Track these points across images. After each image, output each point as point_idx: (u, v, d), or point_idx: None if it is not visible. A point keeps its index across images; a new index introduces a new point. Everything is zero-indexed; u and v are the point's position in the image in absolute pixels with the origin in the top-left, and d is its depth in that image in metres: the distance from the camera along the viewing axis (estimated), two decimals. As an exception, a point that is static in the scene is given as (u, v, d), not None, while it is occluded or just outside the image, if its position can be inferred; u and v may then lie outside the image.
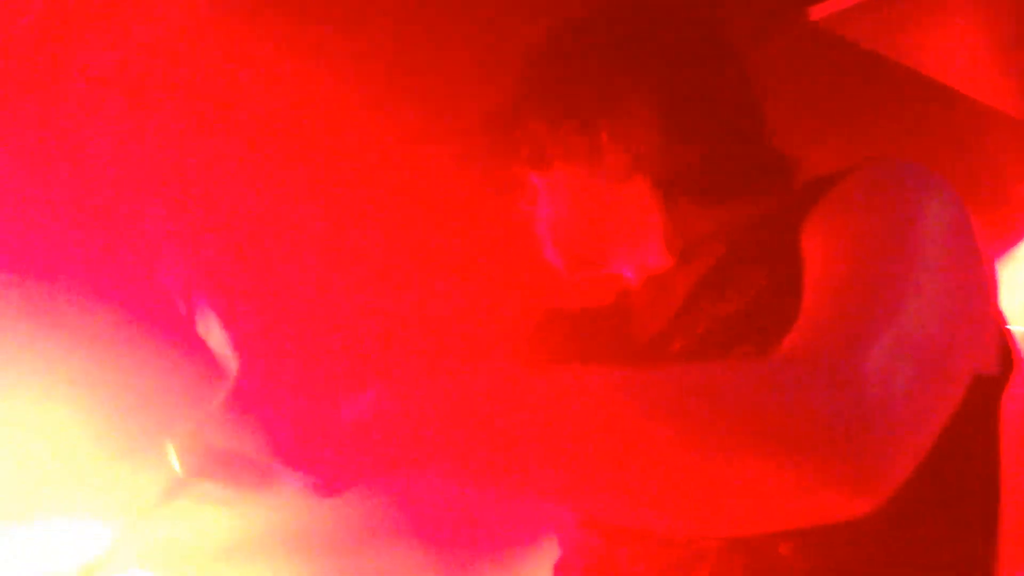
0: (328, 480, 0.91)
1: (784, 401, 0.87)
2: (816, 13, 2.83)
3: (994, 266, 1.14)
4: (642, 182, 1.28)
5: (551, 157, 1.32)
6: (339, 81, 2.69)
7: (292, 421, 0.91)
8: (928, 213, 1.06)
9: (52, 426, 3.26)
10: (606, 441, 0.87)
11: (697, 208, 1.28)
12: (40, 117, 2.63)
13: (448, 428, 0.89)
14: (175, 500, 0.99)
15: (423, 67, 2.71)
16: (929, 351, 0.95)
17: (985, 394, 1.08)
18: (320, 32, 2.60)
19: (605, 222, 1.31)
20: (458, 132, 1.71)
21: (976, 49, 2.93)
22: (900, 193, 1.08)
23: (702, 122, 1.28)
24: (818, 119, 2.88)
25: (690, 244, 1.27)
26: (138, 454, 3.41)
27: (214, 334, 0.96)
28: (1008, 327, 1.16)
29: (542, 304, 1.43)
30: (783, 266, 1.11)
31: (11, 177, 2.72)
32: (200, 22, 2.50)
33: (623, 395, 0.88)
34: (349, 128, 2.83)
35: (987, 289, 1.11)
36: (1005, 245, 4.01)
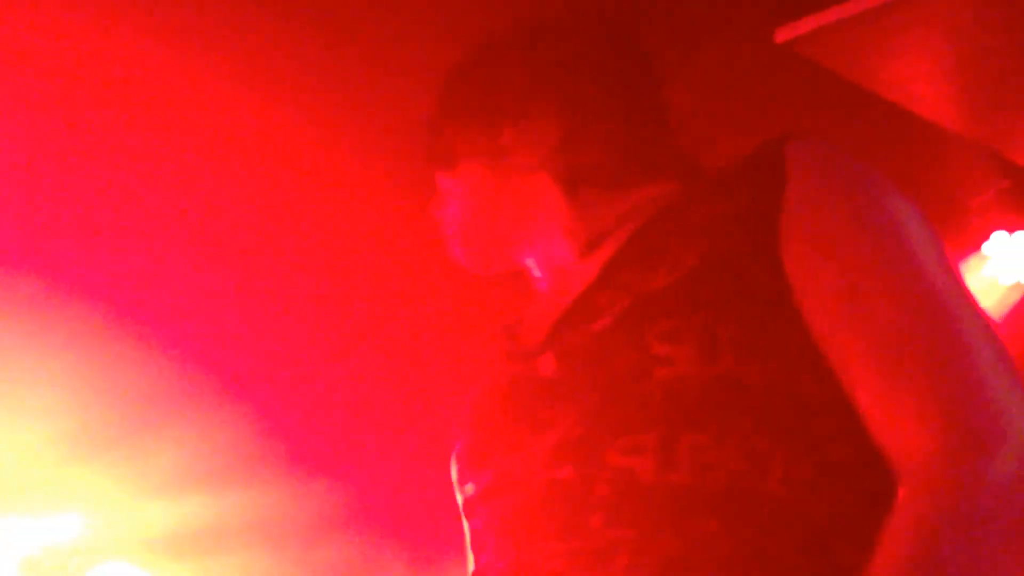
0: None
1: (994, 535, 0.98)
2: (781, 35, 2.91)
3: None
4: (545, 178, 1.31)
5: (457, 156, 1.36)
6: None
7: None
8: (909, 217, 1.14)
9: (31, 421, 3.30)
10: None
11: (600, 198, 1.30)
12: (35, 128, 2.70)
13: None
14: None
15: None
16: (1002, 352, 1.06)
17: None
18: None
19: (509, 218, 1.34)
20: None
21: (932, 73, 3.02)
22: (875, 199, 1.14)
23: (600, 119, 1.31)
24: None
25: (596, 235, 1.29)
26: (115, 449, 3.47)
27: None
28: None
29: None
30: (715, 246, 1.14)
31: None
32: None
33: None
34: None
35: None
36: (961, 257, 4.13)
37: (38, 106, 2.70)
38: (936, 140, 3.29)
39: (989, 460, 1.01)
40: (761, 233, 1.14)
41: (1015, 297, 4.22)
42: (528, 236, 1.34)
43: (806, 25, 2.87)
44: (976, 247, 4.06)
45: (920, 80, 3.02)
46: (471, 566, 1.26)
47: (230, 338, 3.37)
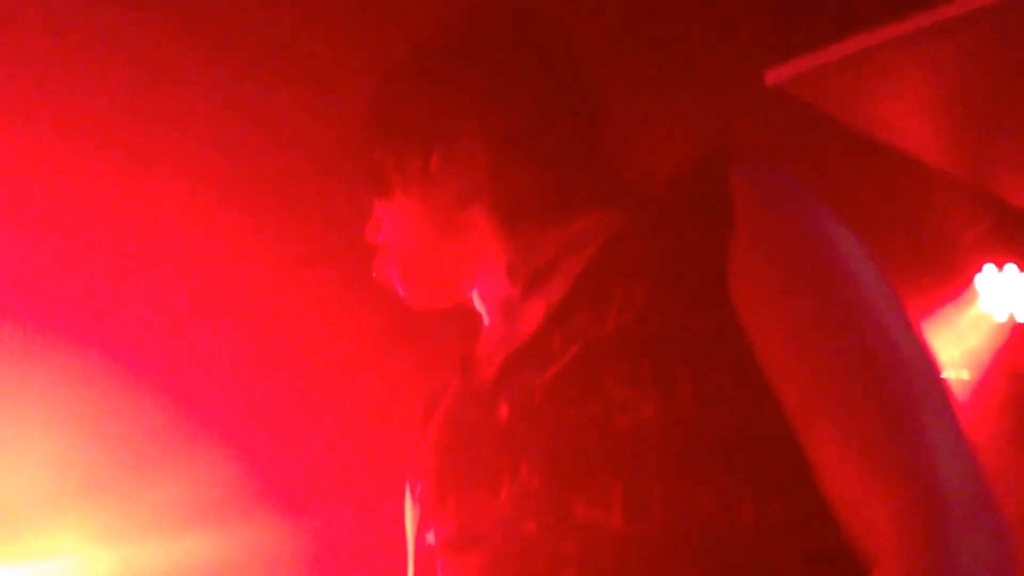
0: None
1: None
2: (772, 77, 2.95)
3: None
4: (479, 210, 1.26)
5: (392, 184, 1.30)
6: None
7: None
8: (852, 248, 1.10)
9: (18, 465, 3.30)
10: None
11: (538, 230, 1.24)
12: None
13: None
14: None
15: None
16: (956, 421, 1.04)
17: None
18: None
19: (444, 251, 1.29)
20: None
21: (921, 113, 3.05)
22: (820, 231, 1.10)
23: (532, 146, 1.25)
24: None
25: (537, 268, 1.24)
26: (102, 490, 3.47)
27: None
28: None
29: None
30: (663, 284, 1.10)
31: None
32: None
33: None
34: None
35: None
36: (951, 294, 4.16)
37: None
38: (925, 178, 3.32)
39: (944, 527, 0.98)
40: (710, 271, 1.09)
41: (1006, 331, 4.26)
42: (467, 270, 1.29)
43: (796, 67, 2.90)
44: (967, 282, 4.10)
45: (908, 120, 3.05)
46: None
47: (219, 384, 3.38)
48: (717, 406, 1.05)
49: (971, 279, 4.11)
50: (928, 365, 1.06)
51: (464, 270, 1.29)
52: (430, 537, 1.22)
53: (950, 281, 4.07)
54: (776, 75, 2.91)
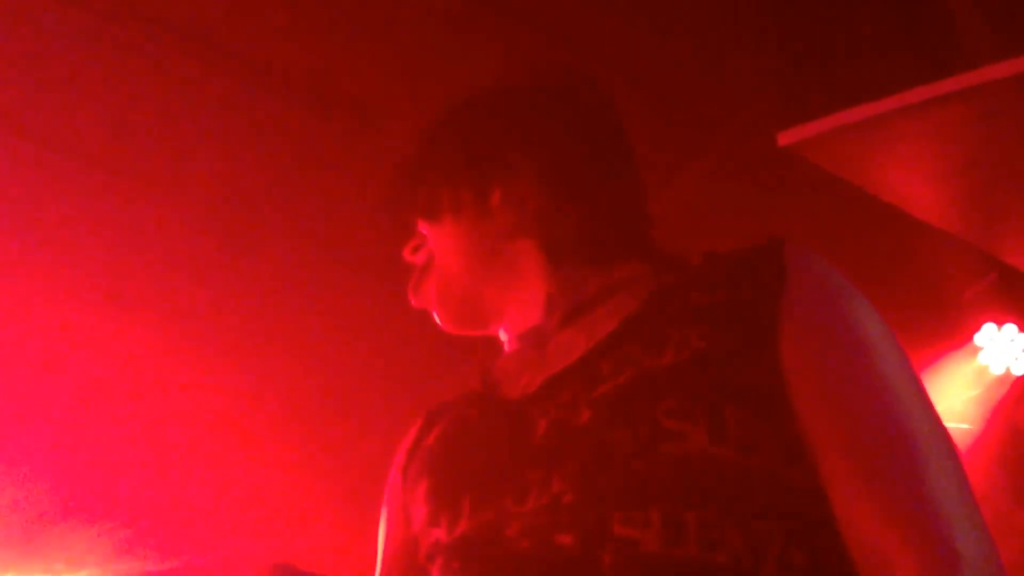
0: None
1: None
2: (784, 139, 3.03)
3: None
4: (527, 243, 1.34)
5: (443, 209, 1.37)
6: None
7: None
8: (888, 336, 1.22)
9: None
10: None
11: (579, 270, 1.33)
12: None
13: None
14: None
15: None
16: (959, 469, 1.16)
17: None
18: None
19: (485, 276, 1.36)
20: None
21: (925, 177, 3.13)
22: (861, 316, 1.21)
23: (582, 195, 1.34)
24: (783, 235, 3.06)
25: (576, 304, 1.31)
26: (85, 517, 3.51)
27: None
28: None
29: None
30: (718, 333, 1.18)
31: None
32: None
33: None
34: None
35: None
36: (953, 347, 4.25)
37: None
38: (930, 238, 3.40)
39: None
40: (763, 327, 1.18)
41: (1005, 385, 4.34)
42: (502, 297, 1.36)
43: (807, 130, 2.98)
44: (968, 338, 4.19)
45: (913, 183, 3.13)
46: None
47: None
48: (758, 453, 1.15)
49: (972, 335, 4.20)
50: (945, 439, 1.19)
51: (498, 296, 1.36)
52: (438, 532, 1.26)
53: (951, 336, 4.16)
54: (788, 136, 2.99)
